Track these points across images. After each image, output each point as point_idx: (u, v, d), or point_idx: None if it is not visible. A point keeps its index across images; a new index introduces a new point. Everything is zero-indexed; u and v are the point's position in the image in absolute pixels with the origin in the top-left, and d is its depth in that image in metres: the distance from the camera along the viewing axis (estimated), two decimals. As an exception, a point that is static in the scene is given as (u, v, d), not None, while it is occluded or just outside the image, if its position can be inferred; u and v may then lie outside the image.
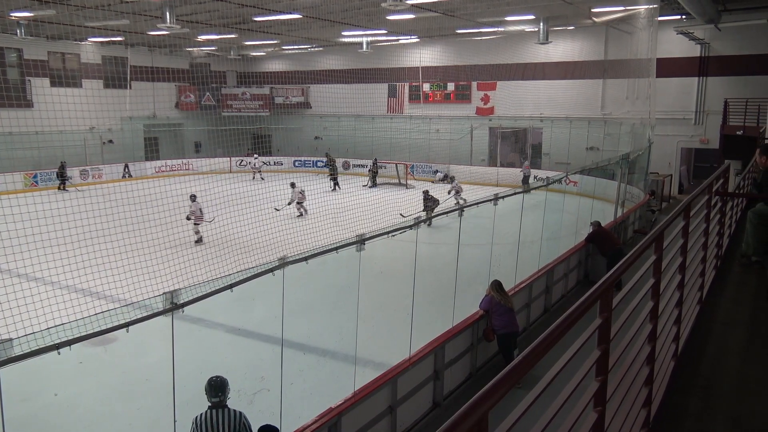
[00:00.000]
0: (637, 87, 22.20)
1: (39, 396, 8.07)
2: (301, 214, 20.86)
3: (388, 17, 22.45)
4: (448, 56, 30.75)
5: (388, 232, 6.97)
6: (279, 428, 5.82)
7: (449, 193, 21.98)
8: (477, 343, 8.67)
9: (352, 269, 6.73)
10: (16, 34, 23.87)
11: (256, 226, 13.58)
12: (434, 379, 7.80)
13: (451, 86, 31.51)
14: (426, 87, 32.08)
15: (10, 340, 4.11)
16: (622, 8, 20.63)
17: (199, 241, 16.97)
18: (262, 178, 29.86)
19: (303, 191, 20.96)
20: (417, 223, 6.80)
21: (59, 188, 26.08)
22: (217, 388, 5.30)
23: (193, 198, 17.49)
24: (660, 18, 20.77)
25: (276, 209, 19.63)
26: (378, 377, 6.82)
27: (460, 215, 8.42)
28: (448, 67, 30.75)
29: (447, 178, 29.62)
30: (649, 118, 20.68)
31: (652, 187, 20.71)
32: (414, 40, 29.89)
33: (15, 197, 13.73)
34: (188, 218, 17.08)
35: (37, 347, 4.19)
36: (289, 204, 20.79)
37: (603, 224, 12.97)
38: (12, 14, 20.86)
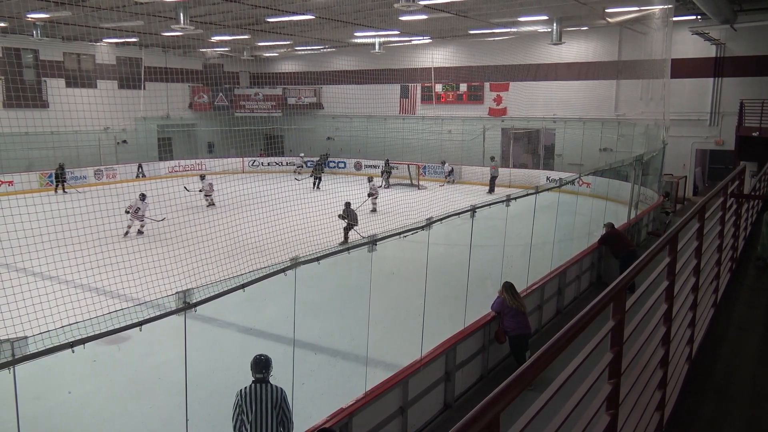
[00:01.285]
0: (652, 88, 22.02)
1: (53, 394, 8.15)
2: (209, 204, 22.60)
3: (401, 18, 22.44)
4: (460, 57, 30.70)
5: (400, 233, 6.97)
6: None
7: (368, 196, 22.05)
8: (488, 345, 8.64)
9: (364, 270, 6.73)
10: (33, 35, 24.09)
11: (268, 226, 13.63)
12: (445, 380, 7.78)
13: (463, 87, 31.45)
14: (438, 88, 32.03)
15: (26, 338, 4.15)
16: (636, 9, 20.48)
17: (126, 234, 17.80)
18: (297, 179, 29.62)
19: (211, 183, 23.01)
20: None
21: (56, 190, 25.66)
22: (261, 365, 5.61)
23: (142, 197, 18.19)
24: (675, 18, 20.58)
25: (185, 188, 21.94)
26: (389, 378, 6.82)
27: (472, 216, 8.40)
28: (460, 67, 30.68)
29: (451, 175, 29.55)
30: (663, 119, 20.51)
31: (666, 188, 20.54)
32: (426, 40, 29.86)
33: (30, 196, 13.87)
34: (126, 211, 17.98)
35: (52, 345, 4.22)
36: (200, 191, 22.73)
37: (616, 226, 12.88)
38: (28, 15, 21.08)
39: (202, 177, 23.91)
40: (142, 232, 18.23)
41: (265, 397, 5.51)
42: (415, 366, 7.11)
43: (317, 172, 28.28)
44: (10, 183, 25.00)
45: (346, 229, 17.46)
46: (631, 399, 3.10)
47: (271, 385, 5.62)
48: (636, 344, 3.26)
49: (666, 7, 19.14)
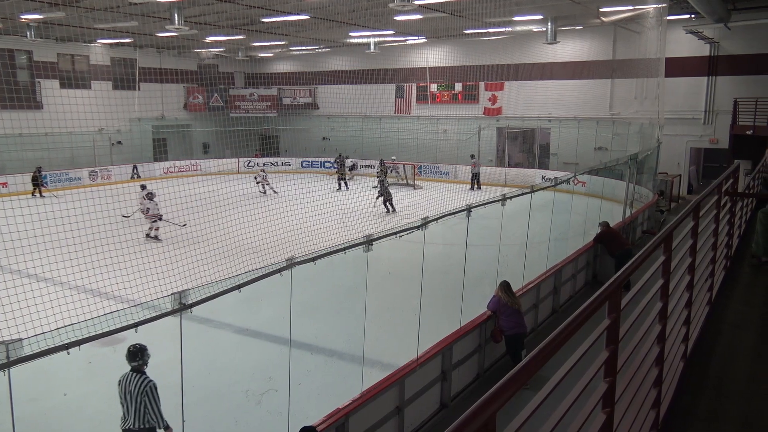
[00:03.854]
0: (646, 87, 22.08)
1: (48, 396, 8.12)
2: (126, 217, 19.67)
3: (396, 18, 22.44)
4: (455, 56, 30.72)
5: (395, 233, 6.97)
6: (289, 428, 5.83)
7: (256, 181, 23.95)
8: (485, 344, 8.65)
9: (360, 270, 6.73)
10: (26, 36, 24.01)
11: (263, 226, 13.61)
12: (442, 380, 7.79)
13: (458, 86, 31.46)
14: (433, 87, 32.05)
15: (20, 340, 4.14)
16: (630, 8, 20.53)
17: (149, 237, 17.50)
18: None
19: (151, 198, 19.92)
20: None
21: (33, 194, 24.89)
22: (131, 355, 5.86)
23: (150, 196, 18.00)
24: (669, 17, 20.65)
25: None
26: (385, 378, 6.82)
27: (468, 216, 8.40)
28: (455, 67, 30.70)
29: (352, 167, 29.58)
30: (657, 118, 20.56)
31: (660, 187, 20.60)
32: (421, 40, 29.86)
33: (25, 198, 13.82)
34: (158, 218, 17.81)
35: (47, 347, 4.21)
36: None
37: (611, 225, 12.91)
38: (22, 16, 20.98)
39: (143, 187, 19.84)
40: (159, 237, 17.46)
41: (130, 386, 5.75)
42: (412, 366, 7.11)
43: (341, 172, 28.39)
44: (4, 185, 24.87)
45: (385, 203, 20.06)
46: (627, 397, 3.10)
47: (142, 375, 5.80)
48: (631, 342, 3.27)
49: (660, 6, 19.19)
